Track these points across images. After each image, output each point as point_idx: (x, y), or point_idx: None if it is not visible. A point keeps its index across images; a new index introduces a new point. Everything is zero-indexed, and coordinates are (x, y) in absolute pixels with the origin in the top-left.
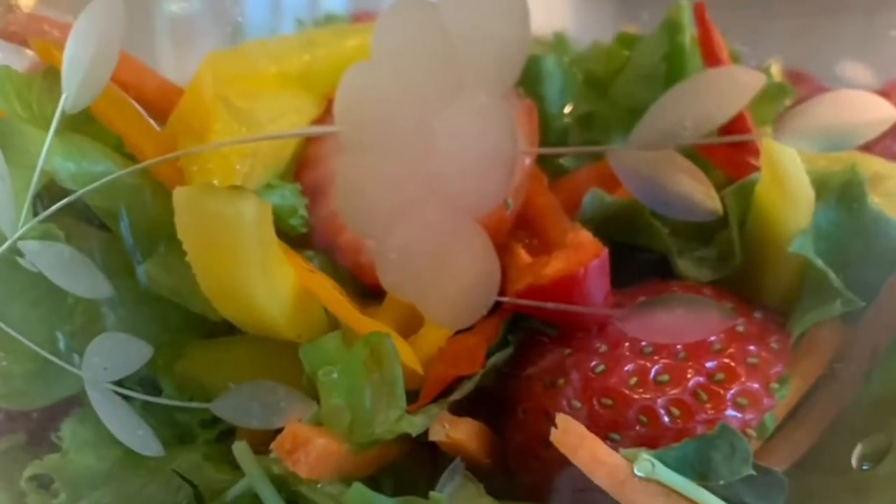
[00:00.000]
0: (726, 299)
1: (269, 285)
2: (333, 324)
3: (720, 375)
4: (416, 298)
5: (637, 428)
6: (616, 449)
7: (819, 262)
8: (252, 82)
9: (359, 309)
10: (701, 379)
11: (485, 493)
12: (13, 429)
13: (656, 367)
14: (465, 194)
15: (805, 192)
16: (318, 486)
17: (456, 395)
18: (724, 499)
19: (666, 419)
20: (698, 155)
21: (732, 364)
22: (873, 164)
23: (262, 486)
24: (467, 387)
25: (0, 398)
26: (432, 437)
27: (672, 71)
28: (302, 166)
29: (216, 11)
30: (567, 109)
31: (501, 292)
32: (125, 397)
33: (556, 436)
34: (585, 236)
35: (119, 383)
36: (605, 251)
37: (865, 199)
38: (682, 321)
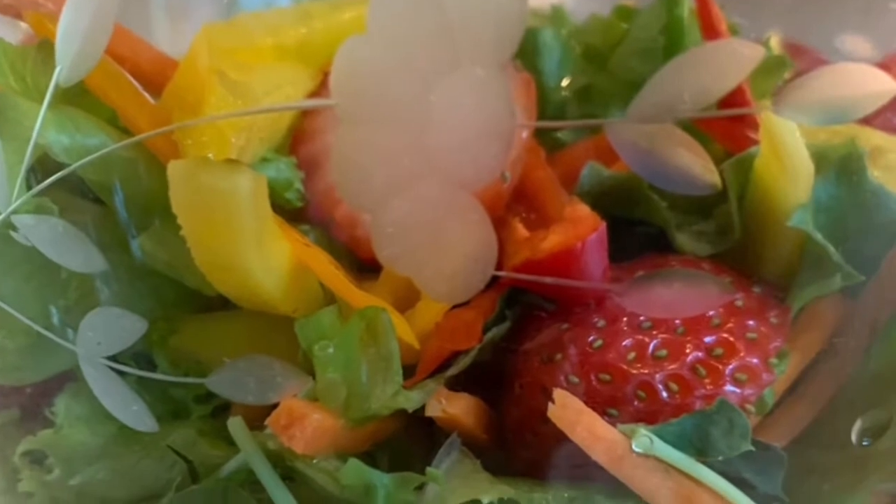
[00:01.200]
0: (725, 274)
1: (265, 260)
2: (329, 298)
3: (719, 350)
4: (413, 273)
5: (635, 403)
6: (614, 424)
7: (819, 236)
8: (248, 55)
9: (355, 283)
10: (699, 354)
11: (481, 469)
12: (7, 404)
13: (654, 342)
14: (462, 168)
15: (804, 166)
16: (314, 461)
17: (453, 370)
18: (722, 474)
19: (664, 394)
20: (697, 128)
21: (731, 339)
22: (873, 138)
23: (258, 461)
24: (464, 362)
25: None
26: (429, 412)
27: (670, 44)
28: (298, 140)
29: None
30: (565, 82)
31: (499, 266)
32: (119, 372)
33: (553, 411)
34: (583, 210)
35: (113, 358)
36: (603, 225)
37: (865, 172)
38: (681, 296)
